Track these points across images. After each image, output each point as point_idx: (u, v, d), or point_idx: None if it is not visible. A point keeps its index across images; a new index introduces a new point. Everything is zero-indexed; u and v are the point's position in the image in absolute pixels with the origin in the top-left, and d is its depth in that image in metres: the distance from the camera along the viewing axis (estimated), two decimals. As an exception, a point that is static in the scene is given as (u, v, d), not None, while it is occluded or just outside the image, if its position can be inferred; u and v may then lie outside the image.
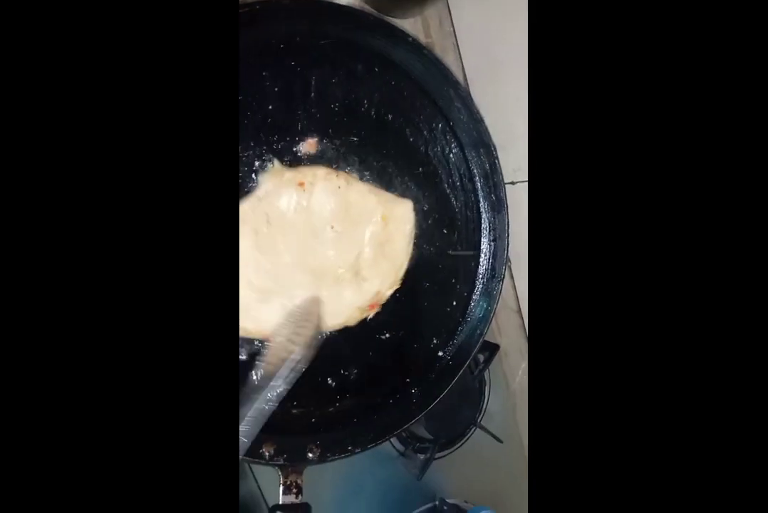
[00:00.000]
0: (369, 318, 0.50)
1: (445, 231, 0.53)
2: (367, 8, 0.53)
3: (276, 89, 0.44)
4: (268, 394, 0.39)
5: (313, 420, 0.47)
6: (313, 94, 0.45)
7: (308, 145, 0.47)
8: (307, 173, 0.46)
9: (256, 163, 0.45)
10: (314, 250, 0.47)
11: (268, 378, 0.40)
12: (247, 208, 0.45)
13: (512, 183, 0.64)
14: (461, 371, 0.52)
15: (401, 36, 0.47)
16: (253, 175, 0.45)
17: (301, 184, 0.46)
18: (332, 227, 0.47)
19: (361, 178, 0.49)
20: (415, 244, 0.52)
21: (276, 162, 0.46)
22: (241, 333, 0.45)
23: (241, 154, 0.44)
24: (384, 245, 0.50)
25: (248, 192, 0.45)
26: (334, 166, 0.47)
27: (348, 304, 0.49)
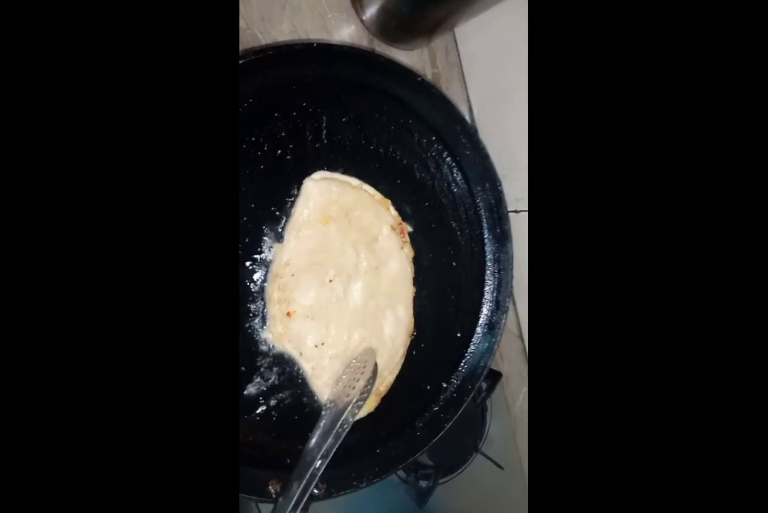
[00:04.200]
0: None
1: (454, 264, 0.53)
2: (376, 42, 0.54)
3: (287, 129, 0.44)
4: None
5: (318, 455, 0.47)
6: (324, 133, 0.46)
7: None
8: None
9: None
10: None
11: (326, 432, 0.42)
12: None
13: (515, 211, 0.64)
14: (465, 403, 0.52)
15: (410, 76, 0.47)
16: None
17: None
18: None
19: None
20: (419, 279, 0.52)
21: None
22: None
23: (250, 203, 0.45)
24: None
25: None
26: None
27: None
